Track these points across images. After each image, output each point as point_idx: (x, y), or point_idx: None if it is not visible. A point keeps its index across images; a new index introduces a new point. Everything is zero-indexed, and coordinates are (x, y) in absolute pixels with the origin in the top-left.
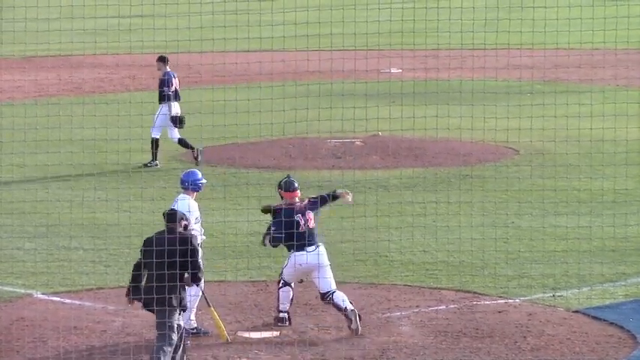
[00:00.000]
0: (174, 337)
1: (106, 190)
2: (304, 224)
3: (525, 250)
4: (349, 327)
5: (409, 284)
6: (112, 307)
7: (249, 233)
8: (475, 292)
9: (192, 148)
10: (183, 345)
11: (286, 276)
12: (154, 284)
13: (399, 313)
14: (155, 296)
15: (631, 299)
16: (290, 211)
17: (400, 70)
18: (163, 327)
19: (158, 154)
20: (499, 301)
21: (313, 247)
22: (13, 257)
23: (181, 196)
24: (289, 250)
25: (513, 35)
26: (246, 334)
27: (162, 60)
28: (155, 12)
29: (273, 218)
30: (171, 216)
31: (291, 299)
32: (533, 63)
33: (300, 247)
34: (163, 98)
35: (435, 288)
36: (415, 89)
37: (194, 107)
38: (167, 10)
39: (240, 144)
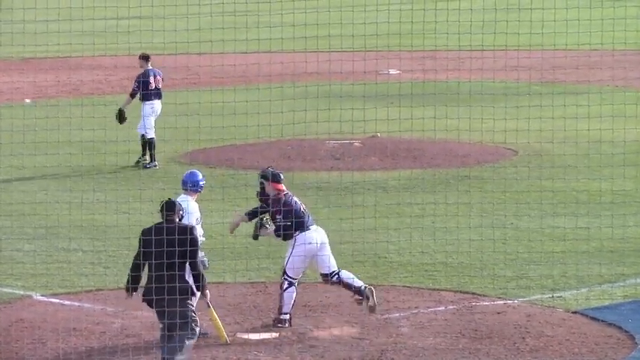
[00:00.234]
0: (196, 326)
1: (104, 191)
2: (302, 205)
3: (524, 251)
4: (363, 304)
5: (408, 285)
6: (111, 308)
7: (247, 235)
8: (474, 293)
9: (144, 154)
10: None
11: (292, 270)
12: (154, 273)
13: (398, 314)
14: (161, 285)
15: (630, 300)
16: (290, 198)
17: (398, 72)
18: (183, 316)
19: (156, 155)
20: (498, 302)
21: (315, 226)
22: (12, 259)
23: (182, 197)
24: (294, 233)
25: (511, 36)
26: (245, 336)
27: (144, 58)
28: (153, 13)
29: (276, 211)
30: (170, 205)
31: (294, 301)
32: (531, 64)
33: (307, 227)
34: (143, 97)
35: (434, 289)
36: (413, 90)
37: (192, 109)
38: (165, 11)
39: (239, 145)
